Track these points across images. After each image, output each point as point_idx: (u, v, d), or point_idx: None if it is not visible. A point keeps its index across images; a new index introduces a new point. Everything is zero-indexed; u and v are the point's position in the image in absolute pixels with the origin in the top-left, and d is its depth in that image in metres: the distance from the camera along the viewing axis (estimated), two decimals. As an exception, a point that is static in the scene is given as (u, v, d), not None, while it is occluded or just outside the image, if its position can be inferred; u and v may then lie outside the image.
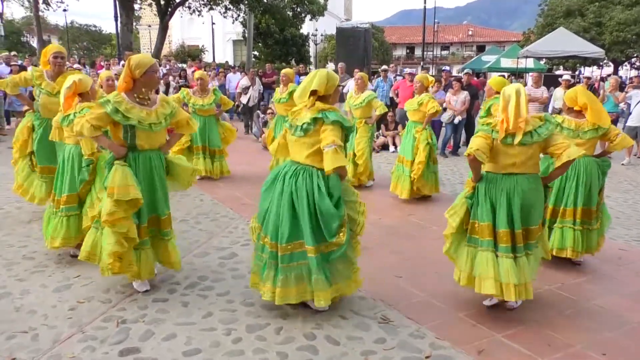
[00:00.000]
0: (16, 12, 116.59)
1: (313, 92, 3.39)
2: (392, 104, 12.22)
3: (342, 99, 12.65)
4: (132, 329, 3.36)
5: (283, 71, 8.47)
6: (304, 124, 3.38)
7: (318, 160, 3.34)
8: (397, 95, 11.85)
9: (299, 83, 9.85)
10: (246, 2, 26.62)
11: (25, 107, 5.84)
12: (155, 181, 3.78)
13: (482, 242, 3.56)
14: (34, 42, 42.34)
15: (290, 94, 7.62)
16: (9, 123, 13.11)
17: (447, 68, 13.40)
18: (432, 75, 8.58)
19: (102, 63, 17.30)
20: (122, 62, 16.86)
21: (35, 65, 15.06)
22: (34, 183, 5.38)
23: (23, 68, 12.90)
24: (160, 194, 3.82)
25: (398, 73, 15.58)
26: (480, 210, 3.57)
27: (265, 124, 11.94)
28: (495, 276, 3.48)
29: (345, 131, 3.45)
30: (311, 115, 3.35)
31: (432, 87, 8.07)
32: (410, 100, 7.02)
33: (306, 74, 17.48)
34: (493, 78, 7.00)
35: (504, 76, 12.82)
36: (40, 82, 5.21)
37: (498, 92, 5.70)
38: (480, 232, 3.57)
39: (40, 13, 28.32)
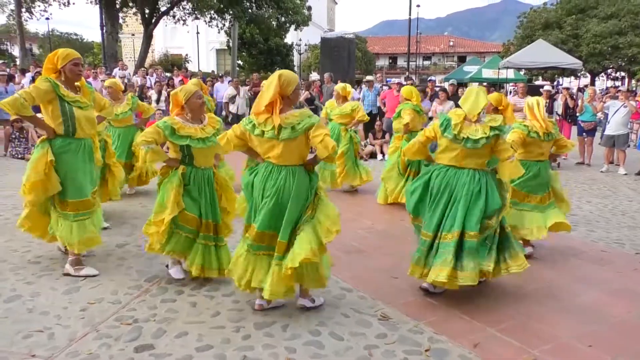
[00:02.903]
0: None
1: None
2: (379, 113, 12.49)
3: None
4: (144, 327, 3.50)
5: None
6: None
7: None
8: (384, 104, 12.13)
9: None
10: (232, 12, 26.82)
11: (32, 131, 5.18)
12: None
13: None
14: (14, 50, 41.99)
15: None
16: (-6, 132, 13.06)
17: (433, 78, 13.71)
18: (416, 86, 8.88)
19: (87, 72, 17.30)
20: (116, 70, 16.91)
21: (22, 73, 15.12)
22: (60, 225, 4.31)
23: (11, 77, 12.91)
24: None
25: (384, 83, 15.87)
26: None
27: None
28: None
29: None
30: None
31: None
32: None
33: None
34: (404, 87, 7.69)
35: (485, 86, 13.19)
36: (66, 93, 4.18)
37: (408, 99, 7.07)
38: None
39: (23, 21, 28.10)
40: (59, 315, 3.63)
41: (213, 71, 32.51)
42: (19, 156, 10.31)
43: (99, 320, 3.58)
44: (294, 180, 3.50)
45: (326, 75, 13.44)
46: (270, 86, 3.48)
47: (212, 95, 15.64)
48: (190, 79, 17.20)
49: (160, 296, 3.99)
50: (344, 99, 7.88)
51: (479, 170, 3.95)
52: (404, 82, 14.06)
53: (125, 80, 15.26)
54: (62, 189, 4.22)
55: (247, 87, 15.55)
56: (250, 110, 14.72)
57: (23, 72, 15.28)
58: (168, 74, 20.62)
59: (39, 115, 4.38)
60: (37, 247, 4.95)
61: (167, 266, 4.42)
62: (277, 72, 3.55)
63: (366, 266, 4.79)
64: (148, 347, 3.26)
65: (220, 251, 4.23)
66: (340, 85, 8.03)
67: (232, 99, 13.77)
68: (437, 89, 11.84)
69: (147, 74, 16.69)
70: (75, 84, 4.34)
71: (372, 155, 11.45)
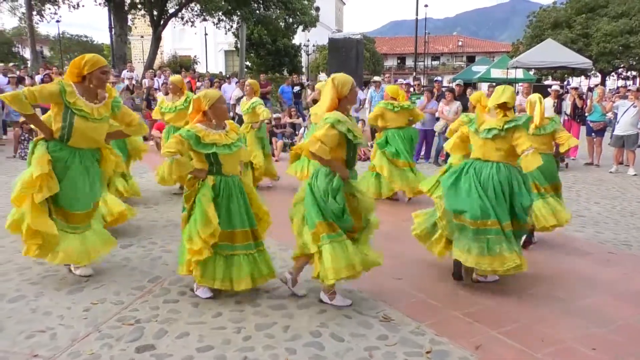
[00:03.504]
0: (7, 22, 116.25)
1: None
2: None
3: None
4: (145, 328, 3.51)
5: (248, 81, 8.49)
6: None
7: None
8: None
9: (289, 95, 9.98)
10: (239, 13, 26.91)
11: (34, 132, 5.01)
12: None
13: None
14: (25, 53, 42.41)
15: (251, 106, 7.74)
16: (5, 133, 13.21)
17: (439, 79, 13.65)
18: (423, 86, 8.86)
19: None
20: (124, 72, 17.02)
21: (31, 77, 15.26)
22: (66, 241, 4.10)
23: (21, 79, 13.04)
24: None
25: (391, 83, 15.84)
26: None
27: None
28: None
29: None
30: None
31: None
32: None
33: (300, 84, 17.76)
34: (389, 86, 7.91)
35: (493, 86, 13.13)
36: (73, 101, 4.02)
37: (394, 98, 7.24)
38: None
39: (34, 24, 28.38)
40: (61, 316, 3.65)
41: (221, 72, 32.59)
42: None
43: (101, 320, 3.60)
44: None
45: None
46: (326, 93, 3.68)
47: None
48: (197, 80, 17.33)
49: (162, 297, 4.01)
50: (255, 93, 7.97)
51: (504, 163, 4.19)
52: (412, 83, 14.03)
53: (134, 82, 15.36)
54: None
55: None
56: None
57: (32, 77, 15.38)
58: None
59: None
60: (43, 247, 4.98)
61: (191, 289, 4.11)
62: (330, 77, 3.76)
63: (369, 267, 4.77)
64: (149, 347, 3.27)
65: (264, 255, 4.07)
66: (250, 80, 8.29)
67: (239, 100, 13.77)
68: (444, 89, 11.80)
69: (154, 76, 16.76)
70: (99, 92, 4.19)
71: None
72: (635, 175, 10.13)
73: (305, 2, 30.32)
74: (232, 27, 29.70)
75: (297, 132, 12.97)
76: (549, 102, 11.60)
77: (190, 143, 3.78)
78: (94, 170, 4.28)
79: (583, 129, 11.70)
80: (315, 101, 12.57)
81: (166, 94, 13.58)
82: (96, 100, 4.17)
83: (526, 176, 4.27)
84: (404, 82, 12.92)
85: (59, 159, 4.07)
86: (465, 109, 11.25)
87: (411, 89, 12.48)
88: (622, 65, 35.77)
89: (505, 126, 4.11)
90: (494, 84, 20.69)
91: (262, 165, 7.77)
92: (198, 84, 16.57)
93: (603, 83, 34.26)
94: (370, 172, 7.51)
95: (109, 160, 4.43)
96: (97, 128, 4.20)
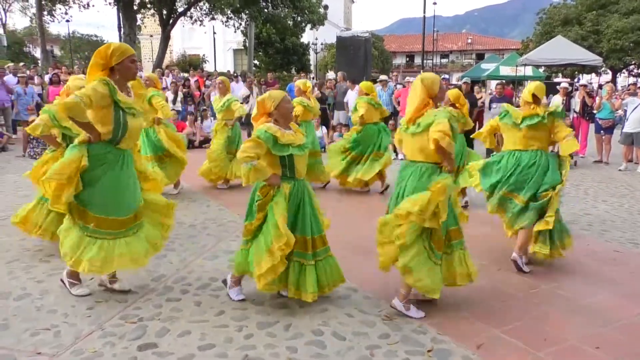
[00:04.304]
0: (18, 22, 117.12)
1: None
2: (394, 112, 12.44)
3: (341, 107, 12.87)
4: (148, 326, 3.54)
5: (219, 79, 8.38)
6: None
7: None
8: (398, 103, 12.08)
9: (293, 92, 9.79)
10: (247, 12, 26.95)
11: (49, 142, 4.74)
12: None
13: None
14: (36, 52, 42.70)
15: (226, 103, 7.73)
16: (15, 132, 13.33)
17: (446, 76, 13.61)
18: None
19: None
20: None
21: (41, 76, 15.38)
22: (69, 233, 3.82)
23: (30, 78, 13.16)
24: None
25: (399, 81, 15.82)
26: None
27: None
28: None
29: None
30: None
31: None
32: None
33: (308, 82, 17.74)
34: (363, 82, 8.16)
35: (501, 84, 13.04)
36: (122, 100, 3.70)
37: (367, 94, 7.56)
38: None
39: (45, 24, 28.60)
40: (66, 314, 3.69)
41: (229, 71, 32.65)
42: (37, 157, 10.47)
43: (105, 318, 3.63)
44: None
45: (339, 74, 13.48)
46: (416, 93, 3.69)
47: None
48: (205, 79, 17.38)
49: (165, 295, 4.03)
50: (366, 95, 7.76)
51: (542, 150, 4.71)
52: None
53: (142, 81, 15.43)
54: (88, 199, 3.73)
55: (260, 87, 15.59)
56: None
57: (41, 77, 15.50)
58: (185, 74, 20.81)
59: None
60: (49, 246, 5.01)
61: (223, 281, 4.08)
62: (418, 78, 3.76)
63: (373, 266, 4.74)
64: (151, 345, 3.29)
65: (333, 260, 3.92)
66: (363, 83, 8.07)
67: (247, 99, 13.81)
68: (452, 87, 11.74)
69: (163, 75, 16.85)
70: (129, 84, 3.86)
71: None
72: (644, 173, 10.03)
73: (313, 1, 30.32)
74: (240, 25, 29.76)
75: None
76: (558, 99, 11.53)
77: (269, 146, 3.57)
78: (133, 172, 3.96)
79: (592, 126, 11.59)
80: (320, 100, 12.62)
81: (175, 93, 13.71)
82: (128, 92, 3.84)
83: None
84: (411, 80, 12.85)
85: (106, 162, 3.71)
86: (472, 106, 11.21)
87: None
88: (633, 62, 35.39)
89: (547, 114, 4.59)
90: (503, 81, 20.58)
91: (219, 168, 7.69)
92: (207, 82, 16.63)
93: (614, 80, 33.92)
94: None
95: (139, 161, 4.18)
96: (139, 125, 3.94)
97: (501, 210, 4.88)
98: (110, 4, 25.01)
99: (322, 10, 33.18)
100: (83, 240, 3.75)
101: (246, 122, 14.40)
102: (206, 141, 12.02)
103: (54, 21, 28.03)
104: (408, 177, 3.72)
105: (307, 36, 41.00)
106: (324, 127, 12.35)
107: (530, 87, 4.83)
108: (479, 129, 9.09)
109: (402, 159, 10.75)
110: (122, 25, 24.40)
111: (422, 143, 3.62)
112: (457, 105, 6.46)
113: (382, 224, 3.74)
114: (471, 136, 6.07)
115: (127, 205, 3.82)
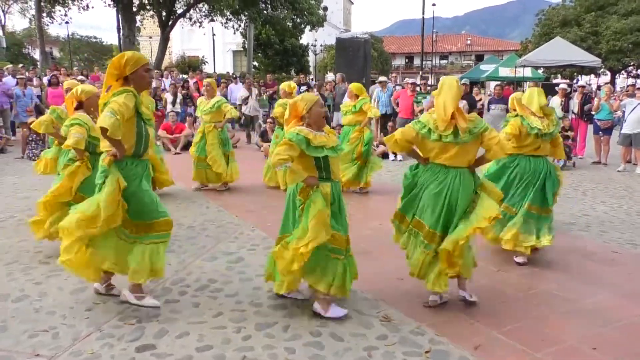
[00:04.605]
0: (17, 24, 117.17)
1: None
2: (392, 113, 12.46)
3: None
4: (146, 327, 3.54)
5: (207, 80, 8.23)
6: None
7: None
8: (397, 104, 12.09)
9: (296, 94, 9.89)
10: (247, 13, 26.99)
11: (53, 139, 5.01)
12: None
13: None
14: (36, 54, 42.75)
15: (216, 105, 7.59)
16: (14, 134, 13.34)
17: (466, 81, 13.64)
18: (430, 85, 8.86)
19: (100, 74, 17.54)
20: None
21: (40, 78, 15.38)
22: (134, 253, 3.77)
23: (29, 80, 13.16)
24: None
25: (397, 83, 15.84)
26: None
27: (264, 133, 12.15)
28: None
29: None
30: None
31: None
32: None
33: (307, 84, 17.78)
34: (353, 84, 8.10)
35: (501, 85, 13.08)
36: (144, 111, 3.73)
37: (357, 95, 7.66)
38: None
39: (44, 26, 28.63)
40: (64, 315, 3.69)
41: (228, 72, 32.70)
42: (36, 158, 10.47)
43: (103, 320, 3.63)
44: (462, 180, 3.74)
45: (338, 75, 13.51)
46: (447, 98, 3.70)
47: (226, 96, 15.82)
48: (204, 80, 17.39)
49: (164, 297, 4.03)
50: (356, 97, 7.81)
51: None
52: (419, 82, 14.00)
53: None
54: (135, 211, 3.71)
55: (259, 89, 15.60)
56: (262, 111, 14.76)
57: (40, 79, 15.49)
58: (184, 76, 20.83)
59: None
60: (49, 248, 5.02)
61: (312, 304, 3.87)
62: (447, 82, 3.77)
63: (372, 267, 4.77)
64: (149, 347, 3.30)
65: (353, 259, 3.89)
66: (353, 85, 8.05)
67: (245, 100, 13.83)
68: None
69: (162, 76, 16.86)
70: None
71: (384, 155, 11.40)
72: (643, 174, 10.04)
73: (313, 2, 30.36)
74: (240, 26, 29.81)
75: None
76: (556, 100, 11.55)
77: (302, 148, 3.55)
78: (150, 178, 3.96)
79: (590, 127, 11.61)
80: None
81: (174, 94, 13.72)
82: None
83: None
84: (410, 81, 12.87)
85: (135, 176, 3.68)
86: (472, 107, 11.24)
87: (417, 88, 12.45)
88: (632, 64, 35.44)
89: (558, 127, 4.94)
90: (502, 82, 20.59)
91: (224, 170, 7.64)
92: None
93: (613, 81, 33.98)
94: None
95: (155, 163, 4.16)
96: (151, 132, 3.93)
97: None
98: (109, 5, 25.04)
99: (321, 11, 33.22)
100: (146, 252, 3.74)
101: (245, 124, 14.48)
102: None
103: (53, 23, 28.14)
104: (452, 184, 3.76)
105: (307, 37, 41.07)
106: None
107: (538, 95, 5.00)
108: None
109: (401, 160, 10.89)
110: (121, 27, 24.42)
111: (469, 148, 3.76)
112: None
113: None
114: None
115: (147, 211, 3.76)
